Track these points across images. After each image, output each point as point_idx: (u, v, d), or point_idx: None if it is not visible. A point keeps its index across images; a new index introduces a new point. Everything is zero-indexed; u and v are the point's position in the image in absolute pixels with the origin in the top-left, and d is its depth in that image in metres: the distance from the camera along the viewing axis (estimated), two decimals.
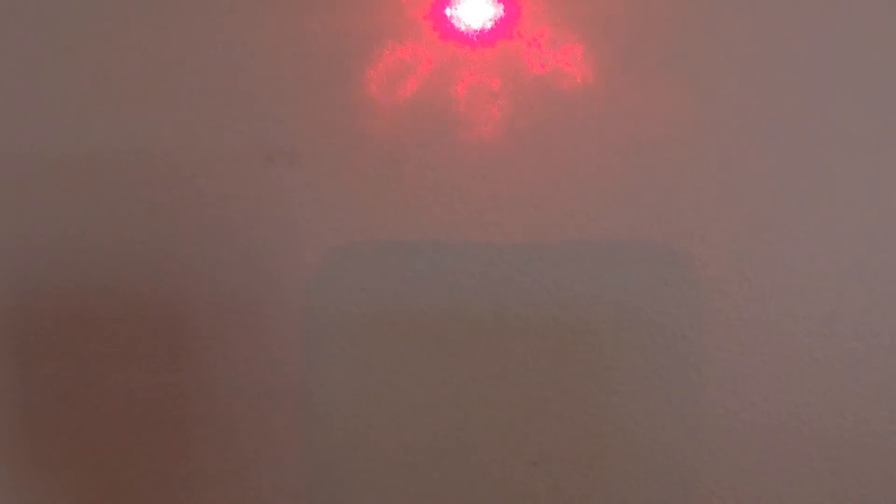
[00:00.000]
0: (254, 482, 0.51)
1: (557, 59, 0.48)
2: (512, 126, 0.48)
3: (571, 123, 0.48)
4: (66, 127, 0.48)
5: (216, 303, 0.49)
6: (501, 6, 0.47)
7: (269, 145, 0.48)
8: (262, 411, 0.50)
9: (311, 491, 0.51)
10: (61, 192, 0.49)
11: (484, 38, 0.48)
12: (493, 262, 0.49)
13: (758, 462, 0.51)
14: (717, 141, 0.48)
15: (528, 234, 0.49)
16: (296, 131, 0.48)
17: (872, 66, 0.47)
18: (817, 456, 0.50)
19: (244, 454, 0.51)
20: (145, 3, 0.48)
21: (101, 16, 0.48)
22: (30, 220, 0.49)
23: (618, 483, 0.51)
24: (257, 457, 0.51)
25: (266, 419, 0.51)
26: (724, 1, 0.47)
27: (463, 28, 0.48)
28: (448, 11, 0.48)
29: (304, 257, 0.49)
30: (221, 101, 0.48)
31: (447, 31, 0.48)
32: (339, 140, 0.48)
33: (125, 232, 0.49)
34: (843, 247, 0.48)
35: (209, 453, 0.51)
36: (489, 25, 0.48)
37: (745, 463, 0.51)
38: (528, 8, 0.48)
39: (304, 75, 0.48)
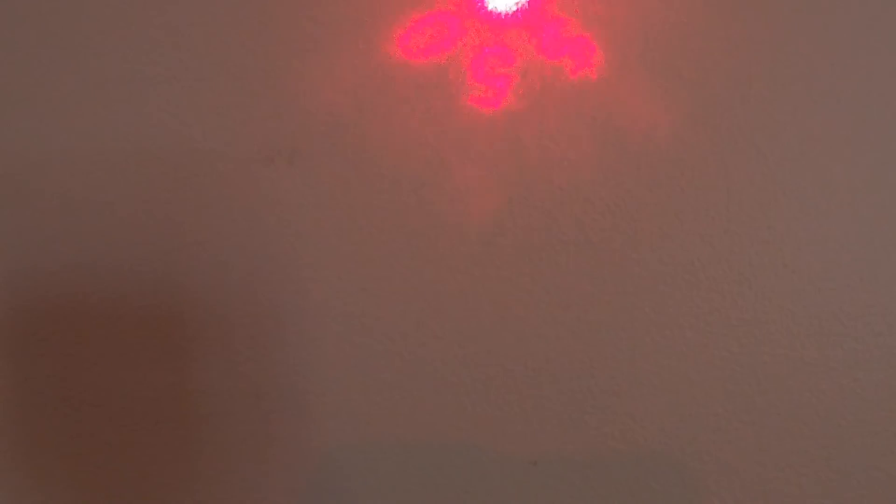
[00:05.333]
0: (254, 482, 0.51)
1: (573, 51, 0.48)
2: (517, 117, 0.48)
3: (574, 115, 0.48)
4: (66, 127, 0.48)
5: (216, 303, 0.49)
6: None
7: (269, 145, 0.48)
8: (262, 411, 0.50)
9: (311, 491, 0.51)
10: (61, 192, 0.49)
11: (499, 21, 0.49)
12: (494, 263, 0.49)
13: (758, 462, 0.51)
14: (717, 141, 0.48)
15: (526, 233, 0.49)
16: (296, 131, 0.48)
17: (872, 67, 0.47)
18: (817, 456, 0.50)
19: (244, 454, 0.51)
20: (145, 2, 0.48)
21: (102, 15, 0.48)
22: (30, 220, 0.49)
23: (618, 483, 0.51)
24: (257, 457, 0.51)
25: (266, 419, 0.51)
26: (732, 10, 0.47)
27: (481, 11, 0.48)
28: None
29: (304, 257, 0.49)
30: (221, 101, 0.48)
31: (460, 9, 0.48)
32: (339, 140, 0.48)
33: (125, 232, 0.49)
34: (843, 247, 0.49)
35: (209, 453, 0.51)
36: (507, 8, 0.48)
37: (745, 463, 0.51)
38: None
39: (305, 75, 0.48)
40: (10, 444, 0.51)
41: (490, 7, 0.49)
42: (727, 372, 0.50)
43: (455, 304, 0.50)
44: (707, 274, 0.49)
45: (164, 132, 0.48)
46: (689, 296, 0.49)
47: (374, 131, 0.49)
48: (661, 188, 0.48)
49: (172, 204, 0.49)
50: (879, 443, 0.50)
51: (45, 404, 0.51)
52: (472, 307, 0.50)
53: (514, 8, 0.48)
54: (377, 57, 0.48)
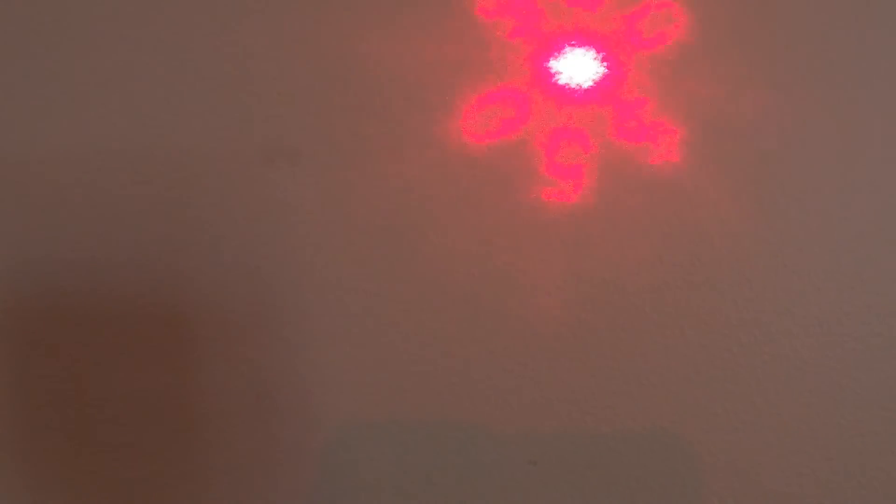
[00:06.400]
0: (254, 482, 0.51)
1: (650, 134, 0.47)
2: (590, 212, 0.48)
3: (651, 208, 0.48)
4: (66, 127, 0.48)
5: (216, 303, 0.49)
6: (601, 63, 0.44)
7: (269, 145, 0.48)
8: (262, 411, 0.50)
9: (311, 491, 0.51)
10: (61, 191, 0.49)
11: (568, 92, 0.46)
12: (493, 268, 0.49)
13: (758, 462, 0.51)
14: (717, 139, 0.48)
15: (526, 232, 0.49)
16: (296, 131, 0.48)
17: (873, 66, 0.47)
18: (817, 456, 0.50)
19: (244, 454, 0.51)
20: (146, 2, 0.48)
21: (102, 14, 0.48)
22: (30, 220, 0.49)
23: (618, 483, 0.51)
24: (257, 457, 0.51)
25: (266, 419, 0.51)
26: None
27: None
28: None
29: (305, 257, 0.49)
30: (222, 101, 0.48)
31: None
32: (339, 140, 0.48)
33: (125, 232, 0.49)
34: (843, 247, 0.49)
35: (209, 453, 0.51)
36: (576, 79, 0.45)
37: (745, 463, 0.51)
38: (633, 74, 0.46)
39: (305, 75, 0.48)
40: (8, 443, 0.51)
41: (562, 83, 0.44)
42: (727, 372, 0.50)
43: (457, 304, 0.50)
44: (707, 274, 0.49)
45: (165, 132, 0.48)
46: (689, 296, 0.49)
47: (425, 220, 0.48)
48: (660, 189, 0.48)
49: (173, 204, 0.49)
50: (879, 443, 0.50)
51: (43, 404, 0.51)
52: (472, 308, 0.50)
53: (590, 85, 0.44)
54: (432, 138, 0.48)
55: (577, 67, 0.45)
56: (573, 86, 0.45)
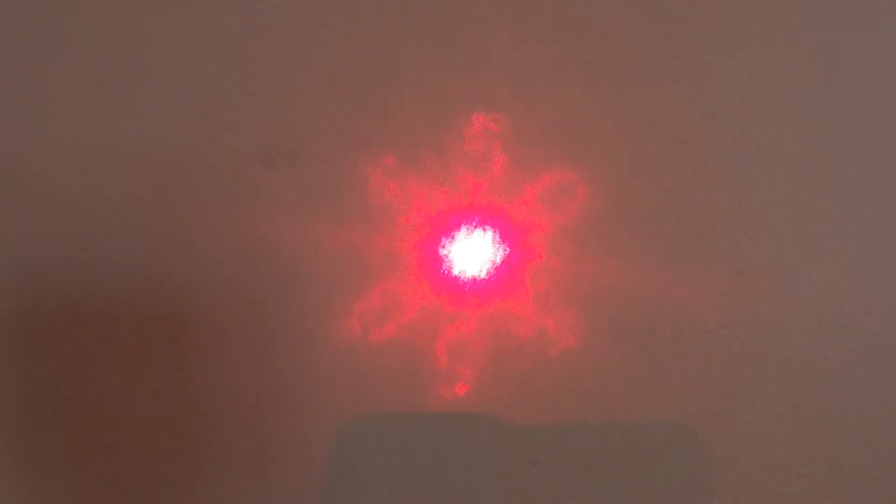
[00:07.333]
0: (254, 482, 0.51)
1: (547, 323, 0.48)
2: (491, 403, 0.50)
3: (557, 396, 0.50)
4: (65, 127, 0.48)
5: (216, 303, 0.49)
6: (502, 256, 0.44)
7: (269, 145, 0.48)
8: (262, 411, 0.50)
9: (311, 491, 0.51)
10: (61, 191, 0.49)
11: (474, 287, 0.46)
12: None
13: (758, 462, 0.51)
14: (717, 139, 0.48)
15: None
16: (296, 131, 0.48)
17: (872, 66, 0.47)
18: (817, 456, 0.50)
19: (244, 454, 0.51)
20: (146, 1, 0.48)
21: (101, 14, 0.48)
22: (29, 220, 0.49)
23: (618, 483, 0.51)
24: (257, 457, 0.51)
25: (266, 419, 0.51)
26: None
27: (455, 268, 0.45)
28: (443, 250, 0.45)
29: (305, 258, 0.49)
30: (221, 101, 0.48)
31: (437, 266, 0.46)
32: (339, 140, 0.48)
33: (124, 232, 0.49)
34: (844, 247, 0.48)
35: (209, 453, 0.51)
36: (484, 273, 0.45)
37: (745, 463, 0.51)
38: (530, 256, 0.48)
39: (305, 75, 0.48)
40: (7, 444, 0.51)
41: (454, 272, 0.45)
42: (727, 372, 0.50)
43: (451, 304, 0.50)
44: (707, 274, 0.49)
45: (164, 132, 0.48)
46: (689, 296, 0.49)
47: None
48: (658, 192, 0.48)
49: (172, 204, 0.49)
50: (879, 443, 0.50)
51: (43, 405, 0.51)
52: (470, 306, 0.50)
53: (485, 274, 0.45)
54: (336, 330, 0.49)
55: (471, 253, 0.45)
56: (465, 274, 0.45)
